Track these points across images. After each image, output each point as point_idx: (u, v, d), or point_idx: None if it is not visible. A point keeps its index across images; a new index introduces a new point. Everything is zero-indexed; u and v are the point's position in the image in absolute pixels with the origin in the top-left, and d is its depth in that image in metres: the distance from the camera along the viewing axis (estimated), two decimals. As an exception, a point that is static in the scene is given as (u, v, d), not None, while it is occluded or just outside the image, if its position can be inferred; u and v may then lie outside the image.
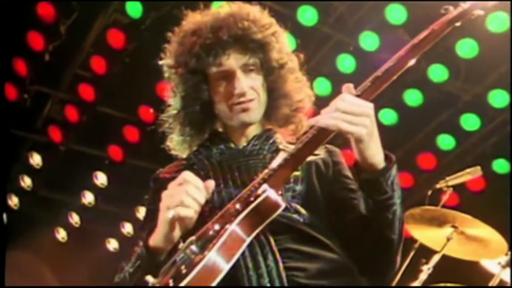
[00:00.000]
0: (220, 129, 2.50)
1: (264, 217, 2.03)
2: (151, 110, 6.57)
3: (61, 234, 8.24)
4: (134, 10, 6.00)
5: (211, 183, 2.10)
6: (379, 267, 2.23)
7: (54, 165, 7.58)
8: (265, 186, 2.05)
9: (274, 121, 2.48)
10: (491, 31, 5.73)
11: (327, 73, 6.47)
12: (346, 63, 6.43)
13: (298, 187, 2.25)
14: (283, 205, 2.03)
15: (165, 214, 2.04)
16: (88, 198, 7.90)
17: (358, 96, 2.01)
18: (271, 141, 2.43)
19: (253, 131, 2.44)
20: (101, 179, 7.72)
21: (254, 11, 2.42)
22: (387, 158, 2.07)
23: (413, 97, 6.63)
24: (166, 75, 2.48)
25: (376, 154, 2.03)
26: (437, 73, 6.30)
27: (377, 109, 2.02)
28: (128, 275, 2.16)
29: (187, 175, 2.06)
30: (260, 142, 2.41)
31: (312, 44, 6.26)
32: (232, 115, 2.38)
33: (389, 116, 6.74)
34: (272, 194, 2.03)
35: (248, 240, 2.01)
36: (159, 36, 2.58)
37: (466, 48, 6.02)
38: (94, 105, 6.87)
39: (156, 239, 2.11)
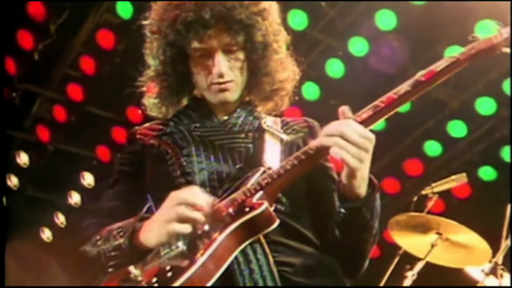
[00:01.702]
0: (199, 96, 2.46)
1: (257, 231, 2.01)
2: (140, 111, 6.53)
3: (46, 234, 8.20)
4: (125, 10, 5.99)
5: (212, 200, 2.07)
6: (349, 270, 2.24)
7: (41, 165, 7.56)
8: (261, 195, 2.03)
9: (253, 96, 2.46)
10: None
11: (315, 77, 6.48)
12: (335, 68, 6.44)
13: None
14: (277, 221, 2.01)
15: (166, 225, 2.00)
16: (75, 198, 7.86)
17: (361, 122, 1.98)
18: (252, 116, 2.42)
19: (232, 105, 2.40)
20: (88, 179, 7.69)
21: None
22: (371, 183, 2.07)
23: (401, 103, 6.64)
24: (147, 35, 2.43)
25: (362, 185, 2.04)
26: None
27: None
28: (105, 258, 2.13)
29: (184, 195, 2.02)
30: (242, 116, 2.40)
31: (302, 48, 6.27)
32: (210, 92, 2.35)
33: (377, 122, 6.74)
34: (268, 208, 2.00)
35: (237, 251, 1.99)
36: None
37: (455, 55, 6.04)
38: (83, 105, 6.86)
39: (146, 237, 2.07)
